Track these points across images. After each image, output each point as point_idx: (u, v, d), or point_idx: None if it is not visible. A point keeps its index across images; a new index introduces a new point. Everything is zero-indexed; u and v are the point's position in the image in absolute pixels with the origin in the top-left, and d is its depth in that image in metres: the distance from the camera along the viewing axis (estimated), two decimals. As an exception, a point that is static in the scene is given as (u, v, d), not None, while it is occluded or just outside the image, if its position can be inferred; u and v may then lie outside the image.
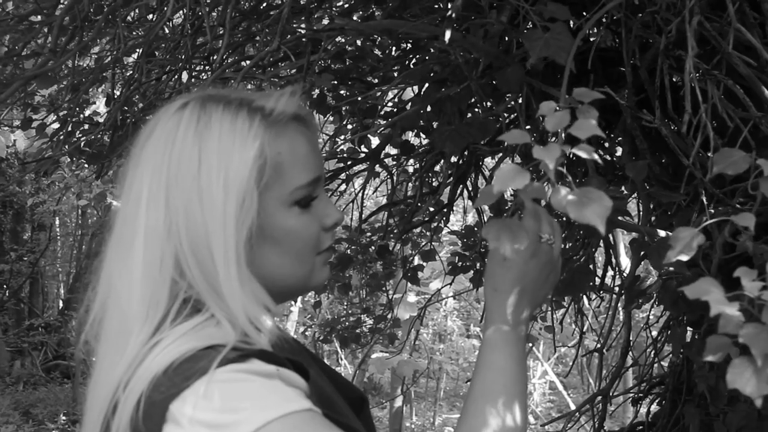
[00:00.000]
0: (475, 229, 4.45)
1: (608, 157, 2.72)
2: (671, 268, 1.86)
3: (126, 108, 3.30)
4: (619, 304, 2.83)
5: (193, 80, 3.53)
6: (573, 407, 11.07)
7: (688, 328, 2.51)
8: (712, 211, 2.16)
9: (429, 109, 2.72)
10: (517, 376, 1.06)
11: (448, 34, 1.50)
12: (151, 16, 3.44)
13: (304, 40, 2.75)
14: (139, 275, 1.02)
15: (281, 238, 1.07)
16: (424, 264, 4.39)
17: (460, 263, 4.28)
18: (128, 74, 3.32)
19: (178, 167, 1.03)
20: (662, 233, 2.15)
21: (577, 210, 1.10)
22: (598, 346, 2.99)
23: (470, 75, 1.77)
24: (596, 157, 1.26)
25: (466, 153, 3.02)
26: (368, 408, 1.23)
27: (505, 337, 1.08)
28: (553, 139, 1.16)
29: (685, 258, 1.29)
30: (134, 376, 0.95)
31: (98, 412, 0.99)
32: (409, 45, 3.09)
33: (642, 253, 2.49)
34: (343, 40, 3.07)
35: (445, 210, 3.47)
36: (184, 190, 1.02)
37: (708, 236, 2.19)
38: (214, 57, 3.33)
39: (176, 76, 3.28)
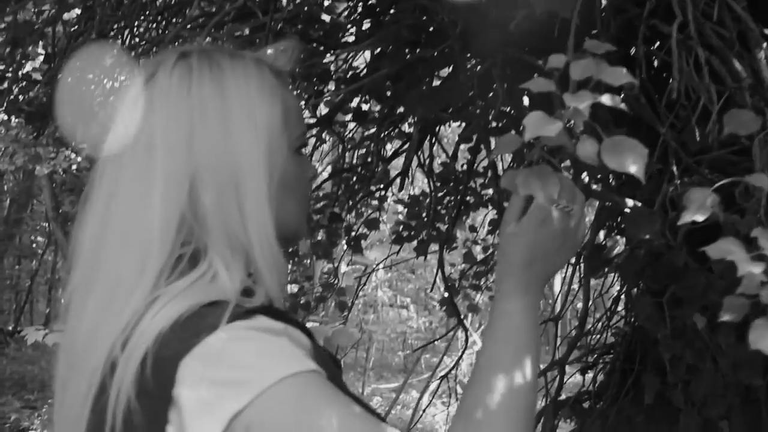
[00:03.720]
0: (421, 198, 4.44)
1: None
2: (647, 236, 1.86)
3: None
4: (577, 274, 2.85)
5: (137, 39, 3.42)
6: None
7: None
8: (678, 181, 2.18)
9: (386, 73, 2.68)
10: (524, 347, 1.03)
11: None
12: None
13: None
14: (157, 226, 0.97)
15: (293, 184, 1.08)
16: (368, 233, 4.36)
17: (405, 233, 4.27)
18: (73, 29, 3.18)
19: (201, 112, 0.99)
20: (630, 202, 2.16)
21: (613, 157, 1.08)
22: (552, 315, 3.02)
23: (454, 35, 1.73)
24: (623, 105, 1.24)
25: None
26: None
27: (512, 307, 1.05)
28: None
29: (700, 218, 1.28)
30: (134, 334, 0.91)
31: (89, 374, 0.93)
32: (361, 7, 3.03)
33: (607, 222, 2.51)
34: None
35: (400, 178, 3.43)
36: (210, 135, 0.99)
37: (674, 206, 2.21)
38: (162, 15, 3.22)
39: (124, 34, 3.16)
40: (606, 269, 2.29)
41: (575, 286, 3.36)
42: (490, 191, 4.21)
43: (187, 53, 1.04)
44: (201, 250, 0.98)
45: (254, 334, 0.90)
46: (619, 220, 2.32)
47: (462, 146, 3.41)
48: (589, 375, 3.24)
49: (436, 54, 1.91)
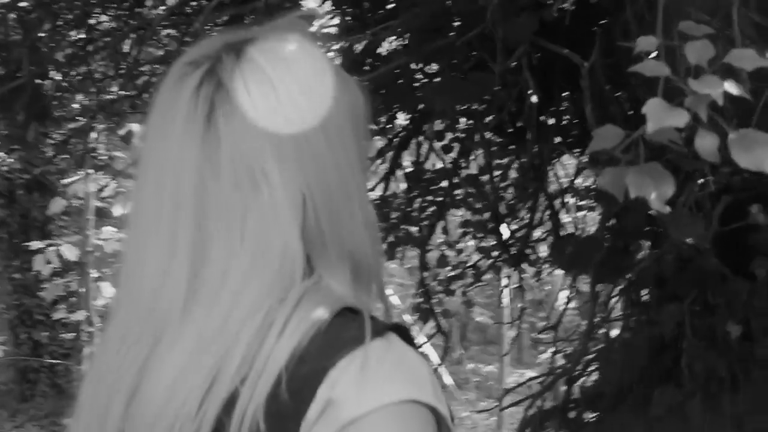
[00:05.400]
0: (390, 199, 4.26)
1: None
2: (689, 241, 1.74)
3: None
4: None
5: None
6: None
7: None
8: (701, 180, 2.07)
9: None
10: None
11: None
12: None
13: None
14: (293, 246, 0.83)
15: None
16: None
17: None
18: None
19: (294, 116, 0.84)
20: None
21: (744, 154, 0.97)
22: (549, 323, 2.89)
23: (493, 18, 1.56)
24: (748, 95, 1.12)
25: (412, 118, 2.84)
26: None
27: None
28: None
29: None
30: (256, 360, 0.77)
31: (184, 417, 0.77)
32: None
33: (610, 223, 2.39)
34: None
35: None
36: (312, 141, 0.85)
37: (698, 208, 2.10)
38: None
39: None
40: (627, 275, 2.16)
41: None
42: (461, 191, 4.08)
43: (240, 49, 0.85)
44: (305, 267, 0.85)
45: (401, 355, 0.80)
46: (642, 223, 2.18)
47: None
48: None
49: (462, 41, 1.74)
